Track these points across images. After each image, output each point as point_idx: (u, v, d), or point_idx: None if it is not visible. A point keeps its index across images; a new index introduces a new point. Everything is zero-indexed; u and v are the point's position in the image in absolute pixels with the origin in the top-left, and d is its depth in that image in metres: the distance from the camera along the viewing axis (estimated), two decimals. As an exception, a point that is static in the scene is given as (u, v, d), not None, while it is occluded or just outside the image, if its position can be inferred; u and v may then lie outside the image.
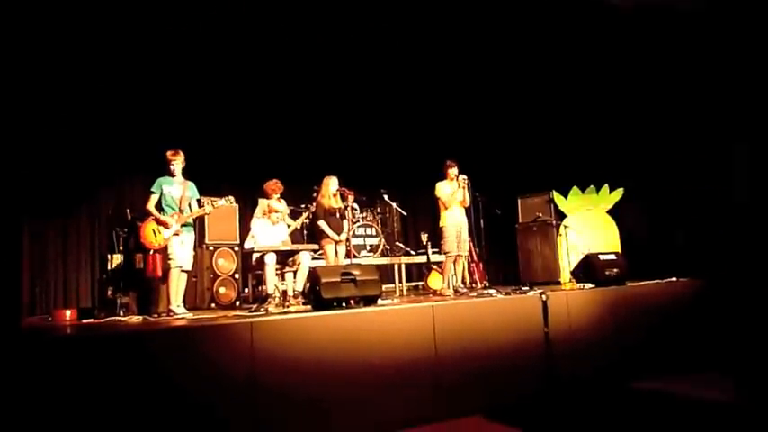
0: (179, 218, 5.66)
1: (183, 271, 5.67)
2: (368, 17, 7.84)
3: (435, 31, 8.32)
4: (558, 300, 5.31)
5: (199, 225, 7.24)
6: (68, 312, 6.32)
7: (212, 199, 6.36)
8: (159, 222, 5.58)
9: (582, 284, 6.37)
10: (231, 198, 6.14)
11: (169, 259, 5.60)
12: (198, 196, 5.98)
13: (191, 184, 5.89)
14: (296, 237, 7.50)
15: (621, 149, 8.80)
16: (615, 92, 8.72)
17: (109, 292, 6.34)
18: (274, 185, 6.66)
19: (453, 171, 6.87)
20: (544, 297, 5.23)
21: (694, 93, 7.81)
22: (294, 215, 7.49)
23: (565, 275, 8.37)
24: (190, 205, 5.83)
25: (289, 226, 7.03)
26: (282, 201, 6.91)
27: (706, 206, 7.68)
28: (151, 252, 5.69)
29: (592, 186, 9.17)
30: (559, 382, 5.06)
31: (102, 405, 3.31)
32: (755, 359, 5.34)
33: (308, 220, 7.45)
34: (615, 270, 6.23)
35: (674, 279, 6.49)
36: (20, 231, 6.88)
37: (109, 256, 6.71)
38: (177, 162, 5.80)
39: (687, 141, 7.96)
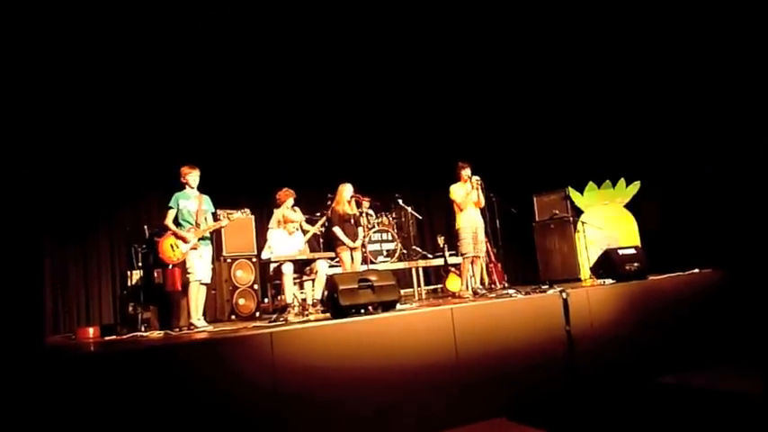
0: (196, 231, 5.70)
1: (202, 284, 5.70)
2: (377, 21, 7.86)
3: (445, 32, 8.31)
4: (578, 297, 5.25)
5: (216, 238, 7.29)
6: (91, 330, 6.39)
7: (228, 211, 6.41)
8: (177, 237, 5.63)
9: (602, 280, 6.29)
10: (247, 210, 6.18)
11: (188, 273, 5.64)
12: (213, 209, 6.02)
13: (206, 198, 5.93)
14: (312, 245, 7.51)
15: (636, 142, 8.70)
16: (629, 84, 8.63)
17: (130, 309, 6.39)
18: (285, 193, 6.70)
19: (466, 172, 6.83)
20: (564, 295, 5.17)
21: (709, 84, 7.70)
22: (310, 223, 7.50)
23: (584, 272, 8.28)
24: (206, 219, 5.88)
25: (306, 232, 7.04)
26: (297, 209, 6.94)
27: (724, 196, 7.56)
28: (170, 267, 5.74)
29: (608, 181, 9.09)
30: (583, 380, 4.99)
31: (127, 421, 3.34)
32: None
33: (323, 228, 7.46)
34: (635, 264, 6.15)
35: (697, 270, 6.39)
36: (41, 252, 6.99)
37: (128, 272, 6.77)
38: (193, 176, 5.85)
39: (703, 131, 7.84)
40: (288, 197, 6.75)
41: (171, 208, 5.71)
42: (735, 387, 4.62)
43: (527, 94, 9.79)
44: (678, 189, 8.13)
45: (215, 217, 6.12)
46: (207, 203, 5.93)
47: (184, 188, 5.84)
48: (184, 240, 5.63)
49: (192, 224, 5.74)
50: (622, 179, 8.96)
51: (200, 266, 5.67)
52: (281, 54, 8.29)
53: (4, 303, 5.35)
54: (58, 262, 7.56)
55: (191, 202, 5.79)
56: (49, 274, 7.38)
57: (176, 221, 5.70)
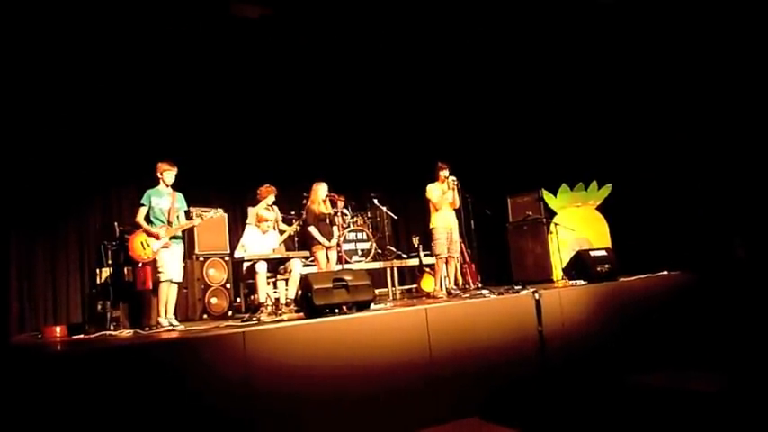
0: (168, 230, 5.61)
1: (173, 283, 5.61)
2: (355, 21, 7.84)
3: (422, 33, 8.33)
4: (550, 298, 5.31)
5: (188, 236, 7.20)
6: (58, 329, 6.23)
7: (202, 209, 6.33)
8: (149, 234, 5.53)
9: (574, 281, 6.38)
10: (219, 210, 6.12)
11: (159, 272, 5.55)
12: (186, 207, 5.94)
13: (179, 196, 5.85)
14: (287, 244, 7.46)
15: (609, 145, 8.84)
16: (601, 89, 8.77)
17: (99, 307, 6.25)
18: (266, 190, 6.68)
19: (444, 173, 6.86)
20: (537, 296, 5.23)
21: (680, 90, 7.87)
22: (286, 223, 7.45)
23: (557, 273, 8.39)
24: (178, 217, 5.79)
25: (283, 232, 6.99)
26: (275, 207, 6.89)
27: (695, 198, 7.73)
28: (140, 265, 5.65)
29: (581, 183, 9.22)
30: (555, 379, 5.06)
31: (96, 421, 3.27)
32: (747, 351, 5.37)
33: (298, 227, 7.42)
34: (606, 266, 6.26)
35: (666, 273, 6.52)
36: (6, 248, 6.82)
37: (98, 270, 6.63)
38: (170, 174, 5.76)
39: (673, 135, 8.01)
40: (269, 194, 6.72)
41: (143, 205, 5.61)
42: (699, 387, 4.72)
43: (503, 96, 9.87)
44: (649, 192, 8.28)
45: (187, 215, 6.04)
46: (180, 201, 5.84)
47: (158, 184, 5.74)
48: (157, 238, 5.54)
49: (164, 222, 5.65)
50: (594, 182, 9.10)
51: (171, 265, 5.59)
52: (260, 52, 8.22)
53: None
54: (24, 258, 7.36)
55: (163, 199, 5.70)
56: (15, 270, 7.18)
57: (148, 219, 5.61)
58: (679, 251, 7.37)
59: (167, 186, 5.77)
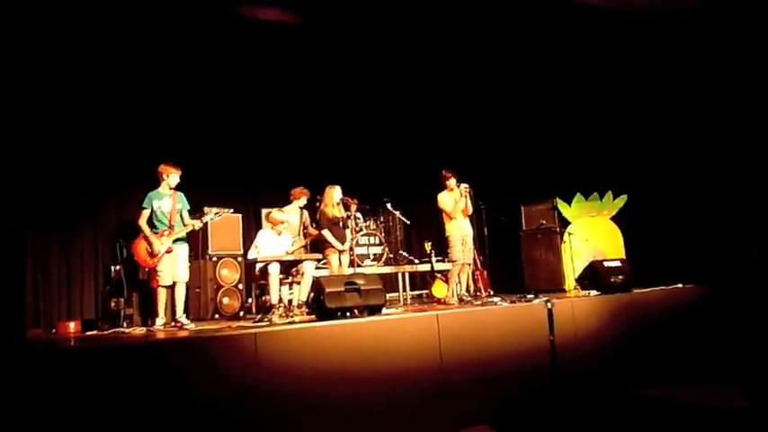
0: (169, 234, 5.64)
1: (181, 282, 5.66)
2: (371, 25, 7.86)
3: (437, 39, 8.33)
4: (563, 307, 5.28)
5: (202, 236, 7.23)
6: (72, 324, 6.30)
7: (216, 210, 6.37)
8: (150, 243, 5.56)
9: (587, 291, 6.33)
10: (227, 210, 6.11)
11: (158, 275, 5.59)
12: (188, 207, 5.97)
13: (180, 195, 5.88)
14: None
15: (626, 156, 8.77)
16: (618, 98, 8.71)
17: (112, 304, 6.32)
18: (300, 192, 6.86)
19: (451, 182, 6.84)
20: (549, 305, 5.20)
21: (697, 99, 7.80)
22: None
23: (569, 282, 8.33)
24: (181, 216, 5.82)
25: (307, 235, 7.03)
26: (304, 211, 6.95)
27: (710, 212, 7.64)
28: (146, 269, 5.69)
29: (595, 193, 9.15)
30: (565, 389, 5.02)
31: (107, 417, 3.29)
32: (763, 367, 5.29)
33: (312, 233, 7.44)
34: (620, 277, 6.21)
35: (680, 286, 6.45)
36: (23, 244, 6.90)
37: (112, 267, 6.69)
38: (174, 177, 5.80)
39: (690, 146, 7.94)
40: (302, 195, 6.85)
41: (144, 208, 5.65)
42: (715, 403, 4.65)
43: (521, 104, 9.83)
44: (664, 203, 8.20)
45: (190, 214, 6.06)
46: (181, 201, 5.87)
47: (158, 186, 5.77)
48: (152, 252, 5.56)
49: (165, 225, 5.68)
50: (610, 192, 9.03)
51: (170, 271, 5.61)
52: (273, 53, 8.25)
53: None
54: (40, 255, 7.43)
55: (165, 201, 5.73)
56: (31, 267, 7.26)
57: (150, 222, 5.65)
58: (694, 264, 7.28)
59: (170, 188, 5.80)
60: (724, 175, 7.53)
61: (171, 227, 5.68)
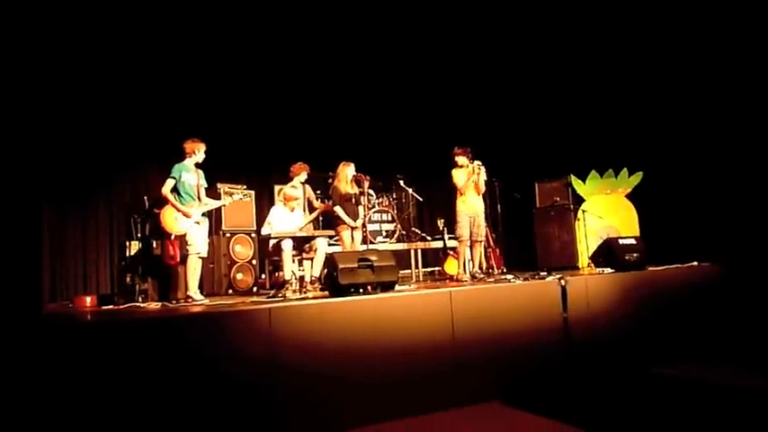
0: (198, 206, 5.69)
1: (199, 257, 5.70)
2: (384, 2, 7.76)
3: (452, 15, 8.21)
4: (577, 285, 5.25)
5: (216, 212, 7.28)
6: (88, 299, 6.39)
7: (230, 186, 6.36)
8: (179, 211, 5.61)
9: (601, 269, 6.30)
10: (248, 194, 6.11)
11: (188, 245, 5.63)
12: (206, 184, 6.01)
13: (201, 173, 5.92)
14: (312, 222, 7.50)
15: (641, 132, 8.64)
16: (635, 73, 8.55)
17: (128, 279, 6.38)
18: (299, 167, 6.76)
19: (461, 159, 6.76)
20: (563, 282, 5.17)
21: (715, 72, 7.63)
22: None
23: (583, 260, 8.29)
24: (202, 193, 5.89)
25: (314, 209, 7.02)
26: (307, 186, 6.93)
27: (726, 190, 7.53)
28: (172, 237, 5.70)
29: (610, 170, 9.05)
30: (578, 367, 5.02)
31: (124, 389, 3.35)
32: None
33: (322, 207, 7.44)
34: (635, 254, 6.15)
35: (696, 264, 6.39)
36: (39, 219, 6.97)
37: (127, 243, 6.76)
38: (202, 152, 5.83)
39: (707, 122, 7.79)
40: (301, 171, 6.79)
41: (173, 178, 5.66)
42: (726, 381, 4.64)
43: (535, 79, 9.70)
44: (681, 181, 8.08)
45: (208, 192, 6.10)
46: (203, 178, 5.91)
47: (185, 160, 5.79)
48: (188, 216, 5.61)
49: (193, 198, 5.72)
50: (625, 169, 8.92)
51: (200, 240, 5.67)
52: (286, 30, 8.20)
53: (2, 270, 5.35)
54: (56, 231, 7.53)
55: (191, 175, 5.77)
56: (48, 242, 7.35)
57: (176, 193, 5.68)
58: (710, 241, 7.20)
59: (196, 164, 5.83)
60: (742, 151, 7.39)
61: (198, 199, 5.73)
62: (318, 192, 7.85)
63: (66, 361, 3.26)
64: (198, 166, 5.89)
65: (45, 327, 3.53)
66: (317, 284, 6.15)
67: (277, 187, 8.09)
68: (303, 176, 6.82)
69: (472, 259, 6.90)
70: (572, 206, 8.81)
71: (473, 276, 6.69)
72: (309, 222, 6.94)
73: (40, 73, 6.65)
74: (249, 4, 7.58)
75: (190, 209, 5.64)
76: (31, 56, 6.10)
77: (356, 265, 4.69)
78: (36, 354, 3.23)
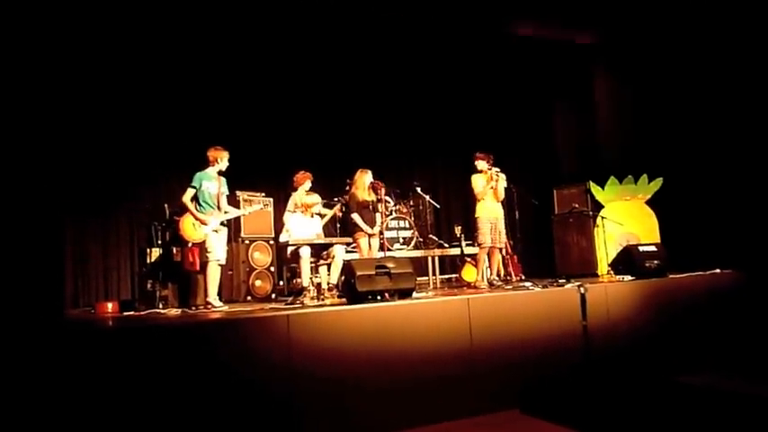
0: (217, 214, 5.74)
1: (219, 264, 5.75)
2: (400, 6, 7.80)
3: (468, 22, 8.23)
4: (596, 292, 5.21)
5: (235, 219, 7.31)
6: (110, 305, 6.47)
7: (249, 194, 6.40)
8: (198, 220, 5.66)
9: (621, 276, 6.23)
10: (268, 204, 6.11)
11: (208, 252, 5.68)
12: (228, 192, 6.06)
13: (223, 180, 5.98)
14: (329, 230, 7.52)
15: (661, 138, 8.55)
16: (653, 80, 8.48)
17: (148, 285, 6.45)
18: (303, 176, 6.74)
19: (481, 164, 6.74)
20: (582, 290, 5.13)
21: (736, 81, 7.54)
22: (327, 207, 7.48)
23: (602, 267, 8.20)
24: (223, 201, 5.94)
25: (323, 216, 7.04)
26: (314, 194, 6.94)
27: (748, 196, 7.41)
28: (190, 245, 5.76)
29: (630, 176, 8.95)
30: (597, 375, 4.96)
31: (143, 394, 3.38)
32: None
33: (340, 213, 7.46)
34: (656, 262, 6.07)
35: (718, 271, 6.29)
36: (62, 227, 7.09)
37: (148, 250, 6.83)
38: (226, 160, 5.89)
39: (728, 129, 7.69)
40: (305, 180, 6.77)
41: (193, 187, 5.72)
42: (750, 390, 4.55)
43: (550, 86, 9.67)
44: (703, 187, 7.98)
45: (229, 199, 6.15)
46: (224, 186, 5.97)
47: (207, 168, 5.85)
48: (204, 224, 5.67)
49: (213, 207, 5.77)
50: (645, 175, 8.82)
51: (219, 247, 5.72)
52: (302, 37, 8.27)
53: (26, 276, 5.46)
54: (78, 239, 7.65)
55: (212, 183, 5.83)
56: (70, 249, 7.47)
57: (196, 201, 5.74)
58: (732, 249, 7.08)
59: (218, 172, 5.90)
60: (764, 157, 7.28)
61: (218, 208, 5.79)
62: (336, 199, 7.87)
63: (88, 365, 3.31)
64: (220, 173, 5.96)
65: (65, 332, 3.59)
66: (334, 291, 6.16)
67: (293, 195, 8.13)
68: (308, 185, 6.82)
69: (490, 266, 6.87)
70: (591, 213, 8.72)
71: (491, 284, 6.65)
72: (328, 218, 6.95)
73: (62, 83, 6.80)
74: (268, 14, 7.66)
75: (208, 217, 5.69)
76: (50, 72, 6.24)
77: (374, 273, 4.70)
78: (57, 358, 3.28)
